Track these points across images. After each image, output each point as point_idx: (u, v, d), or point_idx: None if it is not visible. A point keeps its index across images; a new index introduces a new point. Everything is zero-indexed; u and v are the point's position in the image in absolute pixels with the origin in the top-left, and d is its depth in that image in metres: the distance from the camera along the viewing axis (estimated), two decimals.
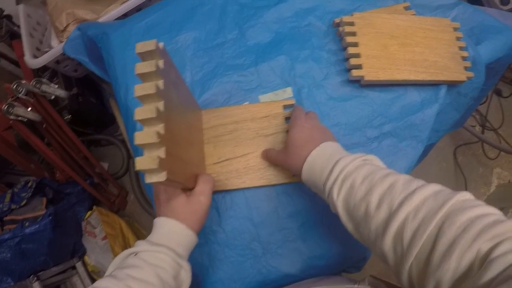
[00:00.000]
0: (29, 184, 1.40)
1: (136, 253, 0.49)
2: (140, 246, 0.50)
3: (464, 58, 0.77)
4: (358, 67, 0.73)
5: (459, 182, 1.79)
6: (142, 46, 0.43)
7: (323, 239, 0.68)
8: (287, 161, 0.58)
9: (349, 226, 0.49)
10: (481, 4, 1.68)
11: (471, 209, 0.36)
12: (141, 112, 0.41)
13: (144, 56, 0.44)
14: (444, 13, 0.87)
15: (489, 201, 1.74)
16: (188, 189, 0.56)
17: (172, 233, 0.51)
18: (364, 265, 0.83)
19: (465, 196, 0.39)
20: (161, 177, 0.41)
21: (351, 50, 0.74)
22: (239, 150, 0.68)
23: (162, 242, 0.50)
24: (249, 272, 0.67)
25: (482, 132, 1.86)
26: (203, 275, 0.68)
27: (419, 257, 0.37)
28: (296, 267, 0.67)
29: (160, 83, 0.43)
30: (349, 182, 0.47)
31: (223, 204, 0.68)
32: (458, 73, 0.76)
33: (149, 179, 0.41)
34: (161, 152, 0.41)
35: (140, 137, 0.40)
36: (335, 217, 0.68)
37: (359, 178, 0.46)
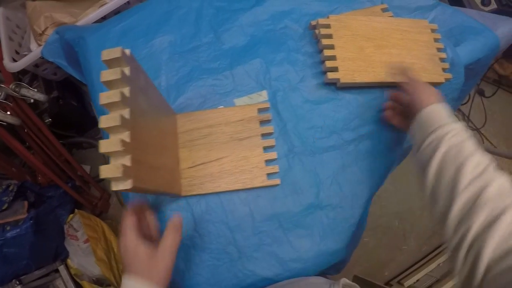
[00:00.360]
0: (10, 188, 1.38)
1: None
2: None
3: (442, 60, 0.78)
4: (334, 69, 0.73)
5: None
6: (108, 54, 0.43)
7: (300, 242, 0.68)
8: (414, 95, 0.63)
9: (433, 164, 0.54)
10: (462, 5, 1.69)
11: None
12: (105, 120, 0.41)
13: (110, 63, 0.43)
14: (423, 14, 0.88)
15: None
16: (149, 237, 0.55)
17: None
18: (343, 268, 0.84)
19: None
20: (126, 185, 0.41)
21: (326, 52, 0.74)
22: (213, 154, 0.68)
23: None
24: (225, 276, 0.67)
25: None
26: (180, 280, 0.68)
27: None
28: (272, 270, 0.67)
29: (126, 90, 0.42)
30: (461, 137, 0.54)
31: (198, 208, 0.68)
32: (436, 75, 0.77)
33: (115, 186, 0.41)
34: (127, 160, 0.41)
35: (105, 145, 0.40)
36: (312, 219, 0.69)
37: (471, 141, 0.54)
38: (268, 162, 0.69)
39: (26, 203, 1.38)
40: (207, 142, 0.69)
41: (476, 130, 1.89)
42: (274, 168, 0.68)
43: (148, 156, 0.49)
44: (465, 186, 0.48)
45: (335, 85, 0.76)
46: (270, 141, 0.69)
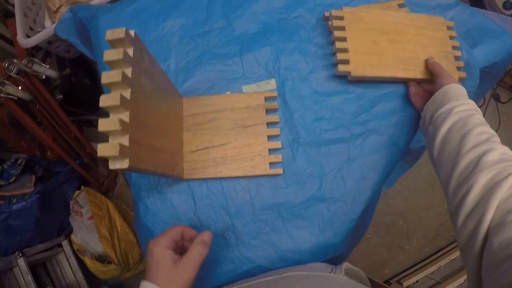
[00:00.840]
0: (19, 162, 1.41)
1: None
2: None
3: (457, 58, 0.76)
4: (345, 62, 0.72)
5: None
6: (112, 34, 0.43)
7: (299, 233, 0.68)
8: (441, 78, 0.67)
9: (440, 134, 0.58)
10: (483, 7, 1.65)
11: None
12: (105, 99, 0.41)
13: (114, 43, 0.43)
14: (441, 13, 0.86)
15: None
16: (178, 251, 0.55)
17: None
18: (340, 263, 0.83)
19: None
20: (123, 164, 0.41)
21: (338, 44, 0.73)
22: (217, 140, 0.68)
23: None
24: (221, 261, 0.68)
25: None
26: None
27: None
28: (269, 259, 0.67)
29: (128, 71, 0.42)
30: (470, 111, 0.58)
31: (199, 192, 0.68)
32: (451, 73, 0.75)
33: (113, 165, 0.41)
34: (125, 140, 0.41)
35: (103, 124, 0.40)
36: (313, 211, 0.69)
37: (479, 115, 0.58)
38: (272, 151, 0.68)
39: (33, 177, 1.41)
40: (212, 127, 0.69)
41: None
42: (277, 158, 0.68)
43: (149, 137, 0.49)
44: (467, 150, 0.52)
45: (345, 78, 0.74)
46: (275, 130, 0.69)
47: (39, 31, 1.14)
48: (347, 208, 0.70)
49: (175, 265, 0.52)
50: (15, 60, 1.11)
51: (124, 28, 0.42)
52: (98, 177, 1.65)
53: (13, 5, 1.28)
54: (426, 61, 0.73)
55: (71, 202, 1.50)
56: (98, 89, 1.62)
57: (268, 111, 0.70)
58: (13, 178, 1.37)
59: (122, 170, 0.42)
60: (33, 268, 1.41)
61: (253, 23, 0.78)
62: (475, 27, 0.85)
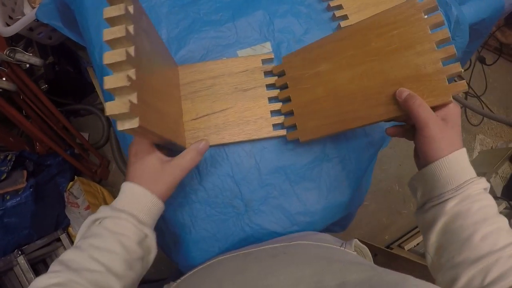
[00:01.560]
0: (9, 158, 1.37)
1: (100, 220, 0.47)
2: (103, 212, 0.48)
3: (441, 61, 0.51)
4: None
5: None
6: None
7: (307, 195, 0.68)
8: (423, 148, 0.49)
9: (432, 237, 0.48)
10: None
11: None
12: (110, 56, 0.39)
13: (113, 1, 0.41)
14: None
15: (472, 166, 1.77)
16: (168, 152, 0.54)
17: (136, 199, 0.49)
18: (349, 224, 0.84)
19: None
20: (133, 123, 0.39)
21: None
22: (217, 106, 0.67)
23: (125, 208, 0.48)
24: (232, 230, 0.67)
25: (465, 98, 1.88)
26: (185, 235, 0.67)
27: None
28: (279, 224, 0.67)
29: (131, 27, 0.41)
30: (468, 204, 0.45)
31: (203, 161, 0.67)
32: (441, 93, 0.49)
33: (121, 126, 0.39)
34: (133, 97, 0.39)
35: (110, 81, 0.38)
36: (319, 172, 0.69)
37: (477, 205, 0.45)
38: (274, 113, 0.67)
39: (25, 172, 1.37)
40: (211, 93, 0.67)
41: (477, 97, 1.88)
42: (280, 119, 0.66)
43: (154, 99, 0.48)
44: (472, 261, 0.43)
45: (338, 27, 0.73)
46: (275, 92, 0.68)
47: (19, 19, 1.11)
48: (352, 166, 0.70)
49: (163, 165, 0.51)
50: None
51: None
52: (90, 167, 1.62)
53: None
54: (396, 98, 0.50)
55: (65, 194, 1.48)
56: (82, 77, 1.59)
57: (266, 73, 0.69)
58: (4, 175, 1.33)
59: (131, 132, 0.40)
60: (34, 266, 1.38)
61: None
62: None
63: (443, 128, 0.47)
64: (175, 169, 0.51)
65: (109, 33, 0.39)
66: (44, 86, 1.32)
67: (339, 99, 0.57)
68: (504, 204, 1.51)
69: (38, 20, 0.93)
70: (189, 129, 0.66)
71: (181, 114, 0.66)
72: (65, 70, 1.40)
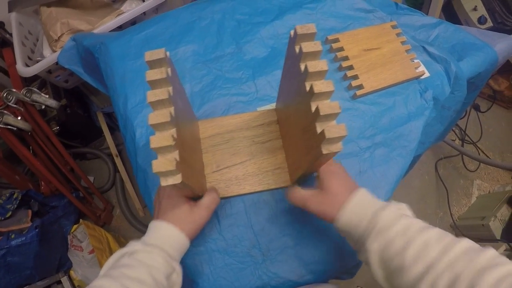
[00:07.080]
0: (15, 196, 1.37)
1: (130, 253, 0.50)
2: (134, 246, 0.51)
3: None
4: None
5: (441, 194, 1.84)
6: (151, 55, 0.45)
7: (321, 244, 0.70)
8: (322, 206, 0.55)
9: (378, 273, 0.49)
10: (460, 23, 1.76)
11: (499, 267, 0.38)
12: (155, 117, 0.42)
13: (153, 64, 0.45)
14: (427, 31, 0.93)
15: (471, 211, 1.80)
16: (191, 199, 0.58)
17: (167, 236, 0.53)
18: (357, 271, 0.85)
19: (492, 253, 0.41)
20: (177, 179, 0.42)
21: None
22: (237, 158, 0.70)
23: (156, 243, 0.51)
24: (249, 279, 0.68)
25: (462, 146, 1.93)
26: (204, 283, 0.68)
27: None
28: (296, 272, 0.69)
29: (170, 89, 0.44)
30: (386, 234, 0.47)
31: (223, 212, 0.70)
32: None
33: (165, 182, 0.42)
34: (176, 155, 0.42)
35: (156, 141, 0.41)
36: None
37: (394, 231, 0.47)
38: None
39: (30, 211, 1.37)
40: (230, 146, 0.71)
41: (473, 143, 1.94)
42: None
43: (187, 155, 0.51)
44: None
45: (351, 97, 0.79)
46: None
47: (38, 60, 1.15)
48: None
49: (191, 207, 0.56)
50: (14, 90, 1.11)
51: (163, 49, 0.44)
52: (95, 210, 1.62)
53: (10, 34, 1.29)
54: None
55: (69, 237, 1.47)
56: (91, 121, 1.62)
57: None
58: (9, 213, 1.33)
59: (173, 186, 0.43)
60: None
61: (262, 48, 0.82)
62: (459, 42, 0.92)
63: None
64: (202, 209, 0.56)
65: (152, 95, 0.43)
66: (56, 128, 1.34)
67: None
68: (504, 246, 1.51)
69: (58, 64, 0.97)
70: (210, 180, 0.69)
71: (203, 167, 0.69)
72: (76, 113, 1.43)
